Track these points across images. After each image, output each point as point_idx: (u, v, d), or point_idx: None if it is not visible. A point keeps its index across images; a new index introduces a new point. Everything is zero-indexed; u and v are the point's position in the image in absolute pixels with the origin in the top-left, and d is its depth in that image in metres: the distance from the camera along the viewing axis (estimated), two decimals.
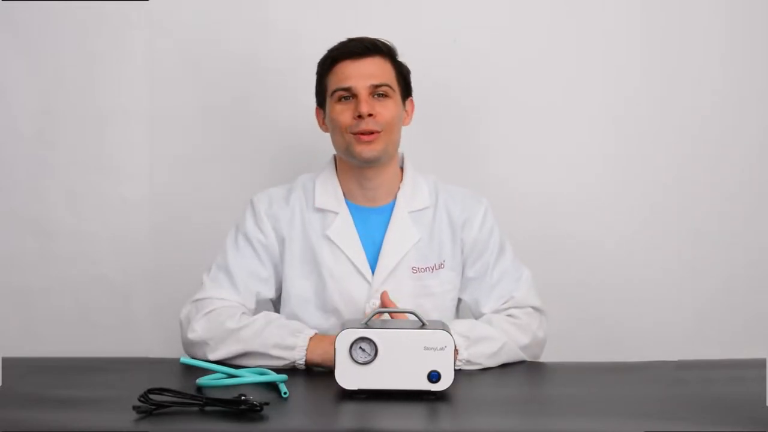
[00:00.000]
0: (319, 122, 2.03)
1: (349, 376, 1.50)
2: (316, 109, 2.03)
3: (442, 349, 1.49)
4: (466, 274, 1.99)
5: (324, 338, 1.78)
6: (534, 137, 2.46)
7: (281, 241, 1.96)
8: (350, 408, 1.47)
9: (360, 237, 1.95)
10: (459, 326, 1.82)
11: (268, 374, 1.58)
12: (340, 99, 1.93)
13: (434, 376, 1.49)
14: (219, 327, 1.82)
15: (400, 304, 1.88)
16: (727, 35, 2.46)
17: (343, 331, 1.50)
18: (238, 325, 1.81)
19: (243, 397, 1.39)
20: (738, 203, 2.47)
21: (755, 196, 2.48)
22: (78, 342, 2.41)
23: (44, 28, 2.41)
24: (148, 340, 2.44)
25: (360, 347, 1.50)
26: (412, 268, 1.94)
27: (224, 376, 1.59)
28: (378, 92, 1.92)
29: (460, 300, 2.01)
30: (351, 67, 1.92)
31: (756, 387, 1.54)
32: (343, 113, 1.92)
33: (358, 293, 1.93)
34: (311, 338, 1.78)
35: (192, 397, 1.42)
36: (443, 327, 1.54)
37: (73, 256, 2.45)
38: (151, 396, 1.40)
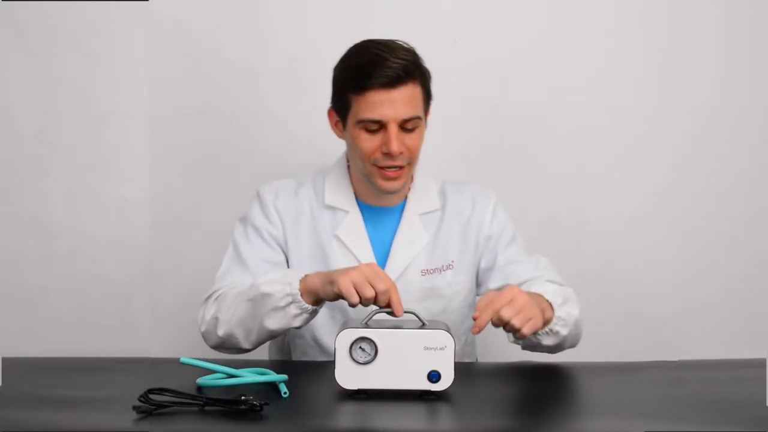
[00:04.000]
0: (331, 124, 1.93)
1: (349, 376, 1.49)
2: (330, 110, 1.91)
3: (442, 349, 1.49)
4: (483, 266, 1.97)
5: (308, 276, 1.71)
6: (533, 137, 2.47)
7: (285, 234, 1.93)
8: (350, 408, 1.47)
9: (369, 237, 1.94)
10: (548, 286, 1.78)
11: (269, 374, 1.58)
12: (366, 128, 1.82)
13: (434, 376, 1.49)
14: (224, 299, 1.80)
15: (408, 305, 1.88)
16: (727, 35, 2.46)
17: (343, 331, 1.50)
18: (237, 289, 1.79)
19: (243, 397, 1.39)
20: (738, 203, 2.47)
21: (755, 196, 2.48)
22: (78, 342, 2.42)
23: (44, 28, 2.42)
24: (148, 340, 2.45)
25: (360, 347, 1.49)
26: (422, 271, 1.93)
27: (224, 376, 1.58)
28: (407, 126, 1.82)
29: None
30: (382, 97, 1.79)
31: (756, 387, 1.54)
32: (368, 141, 1.82)
33: None
34: (301, 280, 1.70)
35: (192, 397, 1.42)
36: (443, 327, 1.54)
37: (73, 256, 2.45)
38: (151, 396, 1.40)
